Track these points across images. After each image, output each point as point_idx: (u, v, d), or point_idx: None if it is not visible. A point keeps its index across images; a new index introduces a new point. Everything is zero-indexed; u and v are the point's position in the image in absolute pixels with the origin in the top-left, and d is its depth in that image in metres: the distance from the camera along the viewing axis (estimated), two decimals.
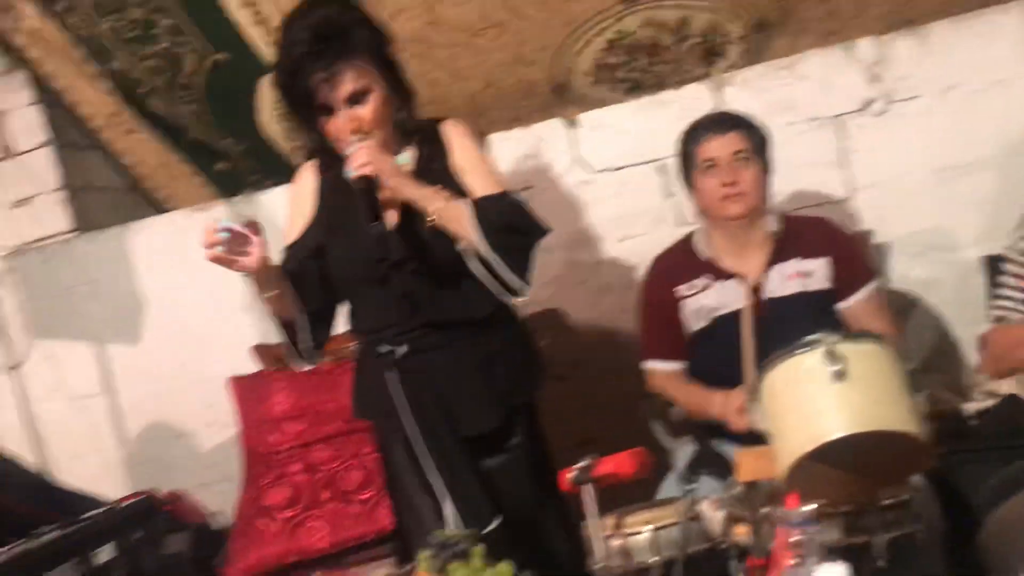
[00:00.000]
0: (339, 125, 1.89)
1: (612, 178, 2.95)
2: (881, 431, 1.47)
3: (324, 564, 2.25)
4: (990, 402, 2.50)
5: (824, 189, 2.78)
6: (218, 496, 3.49)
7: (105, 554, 2.36)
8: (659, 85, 2.92)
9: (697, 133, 2.29)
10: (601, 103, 2.96)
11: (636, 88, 2.93)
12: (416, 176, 1.96)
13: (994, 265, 2.56)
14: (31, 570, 2.17)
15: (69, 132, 3.84)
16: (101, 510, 2.58)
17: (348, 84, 1.86)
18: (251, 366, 3.11)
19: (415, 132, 2.00)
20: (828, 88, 2.75)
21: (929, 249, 2.72)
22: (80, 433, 3.69)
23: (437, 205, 1.86)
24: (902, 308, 2.73)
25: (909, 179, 2.71)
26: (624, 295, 2.97)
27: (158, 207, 3.50)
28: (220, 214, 3.34)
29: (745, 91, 2.80)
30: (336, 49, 1.84)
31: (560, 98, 2.95)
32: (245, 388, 2.83)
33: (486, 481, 1.99)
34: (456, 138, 2.01)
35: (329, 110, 1.89)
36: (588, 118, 2.95)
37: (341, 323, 2.08)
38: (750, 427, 1.92)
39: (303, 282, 1.94)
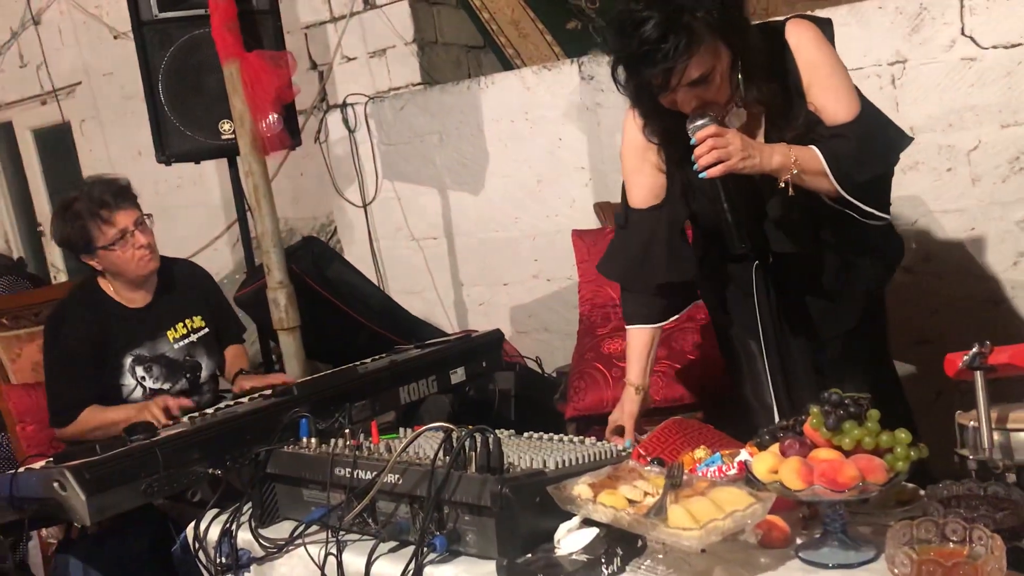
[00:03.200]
0: (678, 101, 1.79)
1: (1003, 57, 2.66)
2: None
3: (655, 416, 2.30)
4: None
5: None
6: (535, 343, 3.70)
7: (456, 376, 2.56)
8: None
9: None
10: None
11: None
12: (767, 121, 1.88)
13: None
14: (399, 379, 2.41)
15: None
16: (455, 337, 2.79)
17: (691, 73, 1.73)
18: (579, 225, 3.20)
19: (758, 65, 1.83)
20: None
21: None
22: (417, 271, 4.02)
23: (789, 169, 1.77)
24: None
25: None
26: (996, 189, 2.72)
27: (506, 64, 3.61)
28: (568, 72, 3.41)
29: None
30: (682, 46, 1.70)
31: None
32: (587, 242, 2.91)
33: (822, 374, 2.03)
34: (802, 49, 1.85)
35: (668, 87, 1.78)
36: None
37: None
38: None
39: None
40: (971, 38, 2.69)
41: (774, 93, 1.84)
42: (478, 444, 1.58)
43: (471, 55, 4.28)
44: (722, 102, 1.80)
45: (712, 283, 2.11)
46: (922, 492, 1.55)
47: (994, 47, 2.66)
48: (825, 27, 1.90)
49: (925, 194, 2.83)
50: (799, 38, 1.86)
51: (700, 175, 1.75)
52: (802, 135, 1.83)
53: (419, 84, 4.01)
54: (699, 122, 1.76)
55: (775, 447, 1.50)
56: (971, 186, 2.76)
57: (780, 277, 2.00)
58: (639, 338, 2.10)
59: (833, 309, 2.04)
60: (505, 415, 3.04)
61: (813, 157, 1.78)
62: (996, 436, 1.67)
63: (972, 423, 1.67)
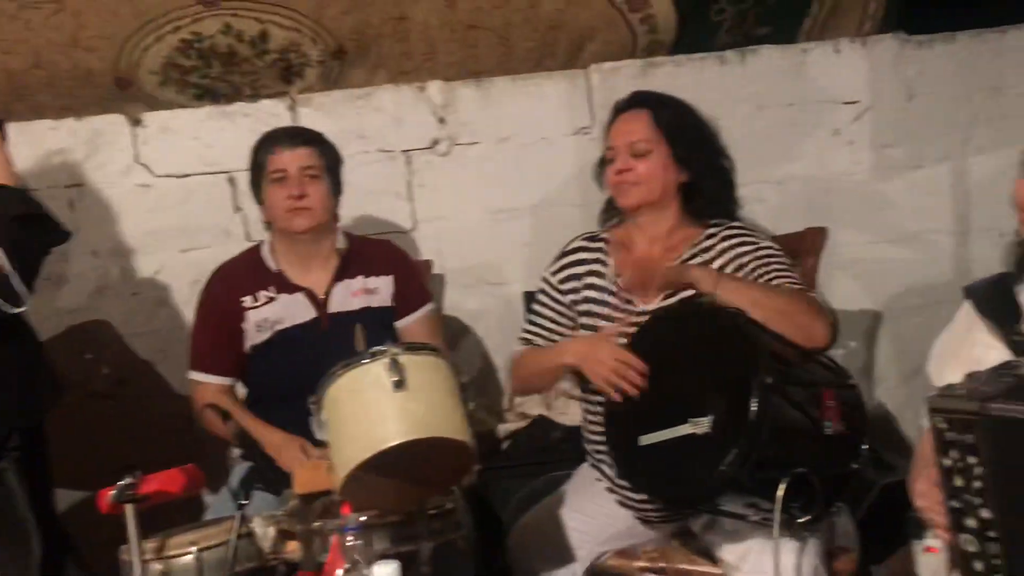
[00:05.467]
0: None
1: (176, 185, 2.79)
2: (436, 438, 1.53)
3: None
4: (522, 423, 2.76)
5: (391, 218, 2.90)
6: None
7: None
8: (234, 96, 2.83)
9: (269, 144, 2.26)
10: (169, 105, 2.80)
11: (207, 95, 2.81)
12: None
13: (531, 299, 2.86)
14: None
15: None
16: None
17: None
18: None
19: None
20: (399, 123, 2.88)
21: (479, 282, 2.95)
22: None
23: None
24: (453, 336, 2.92)
25: (466, 217, 2.93)
26: (182, 310, 2.81)
27: None
28: None
29: (320, 114, 2.83)
30: None
31: (123, 93, 2.73)
32: None
33: None
34: None
35: None
36: (154, 118, 2.78)
37: None
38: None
39: None
40: (145, 166, 2.77)
41: None
42: None
43: None
44: None
45: None
46: None
47: (167, 176, 2.78)
48: None
49: (115, 316, 2.80)
50: None
51: None
52: None
53: None
54: None
55: None
56: (158, 309, 2.81)
57: None
58: None
59: None
60: None
61: None
62: (157, 566, 1.66)
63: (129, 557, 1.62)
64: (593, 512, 2.08)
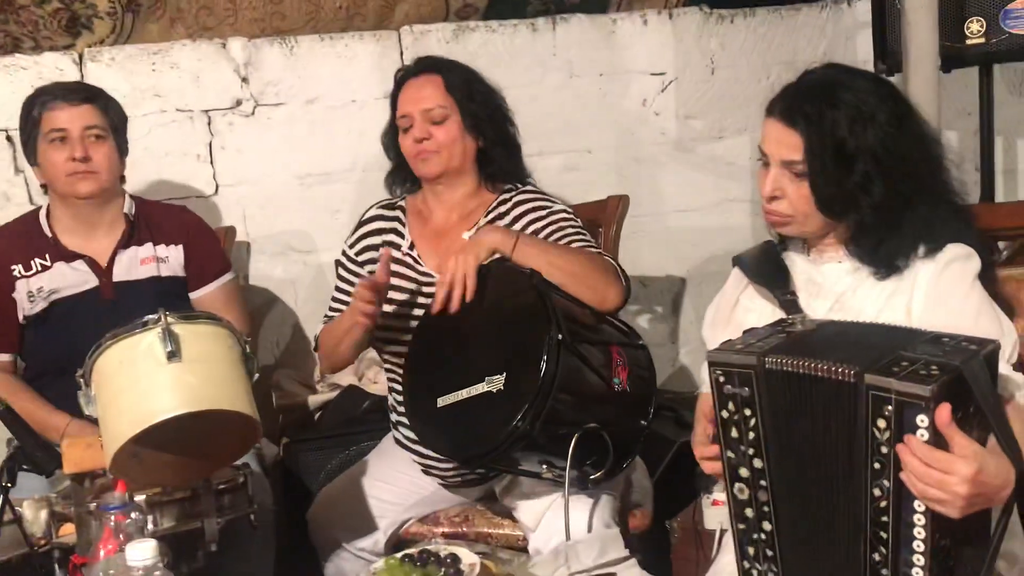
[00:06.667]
0: None
1: None
2: (213, 410, 1.46)
3: None
4: (332, 394, 2.70)
5: (191, 182, 2.75)
6: None
7: None
8: (13, 47, 2.60)
9: (46, 99, 2.08)
10: None
11: None
12: None
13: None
14: None
15: None
16: None
17: None
18: None
19: None
20: (199, 82, 2.73)
21: (289, 250, 2.84)
22: None
23: None
24: (262, 305, 2.81)
25: (272, 181, 2.81)
26: None
27: None
28: None
29: (112, 70, 2.64)
30: None
31: None
32: None
33: None
34: None
35: None
36: None
37: None
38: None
39: None
40: None
41: None
42: None
43: None
44: None
45: None
46: None
47: None
48: None
49: None
50: None
51: None
52: None
53: None
54: None
55: None
56: None
57: None
58: None
59: None
60: None
61: None
62: None
63: None
64: (397, 480, 2.06)
